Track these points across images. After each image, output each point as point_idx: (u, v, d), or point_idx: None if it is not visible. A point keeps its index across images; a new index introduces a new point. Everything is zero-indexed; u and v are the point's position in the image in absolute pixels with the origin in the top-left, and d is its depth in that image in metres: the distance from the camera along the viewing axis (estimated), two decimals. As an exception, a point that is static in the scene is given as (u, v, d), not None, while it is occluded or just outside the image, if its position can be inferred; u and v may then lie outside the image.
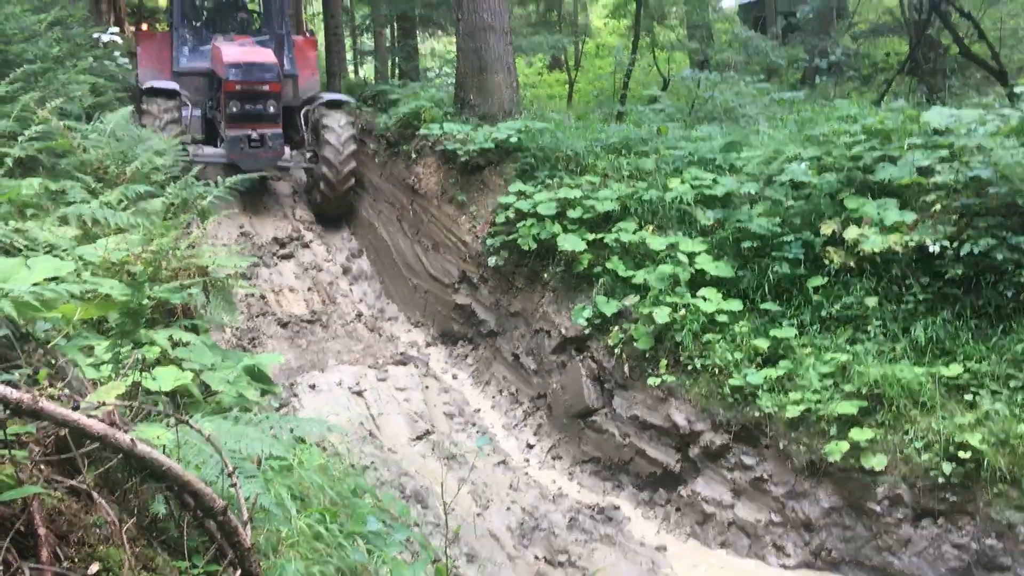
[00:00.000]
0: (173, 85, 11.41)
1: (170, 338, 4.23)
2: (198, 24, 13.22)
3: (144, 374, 3.33)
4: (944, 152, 6.77)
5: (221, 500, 2.19)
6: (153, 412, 2.84)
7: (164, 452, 2.46)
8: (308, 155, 12.32)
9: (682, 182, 8.12)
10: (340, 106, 12.15)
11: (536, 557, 6.19)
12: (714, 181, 8.06)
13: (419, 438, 7.57)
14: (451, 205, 10.13)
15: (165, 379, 3.66)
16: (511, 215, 8.77)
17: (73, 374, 2.77)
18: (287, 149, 12.02)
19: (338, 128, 11.68)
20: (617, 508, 6.92)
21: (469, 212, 9.81)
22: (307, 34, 14.11)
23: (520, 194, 8.84)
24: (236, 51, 11.46)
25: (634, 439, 7.16)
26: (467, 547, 6.00)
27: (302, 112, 12.52)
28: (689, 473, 6.75)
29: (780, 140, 8.38)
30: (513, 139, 9.58)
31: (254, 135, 11.29)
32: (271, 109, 11.47)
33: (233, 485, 2.52)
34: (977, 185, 6.26)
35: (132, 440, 1.96)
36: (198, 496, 2.14)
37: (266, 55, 11.55)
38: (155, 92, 10.95)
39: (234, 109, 11.25)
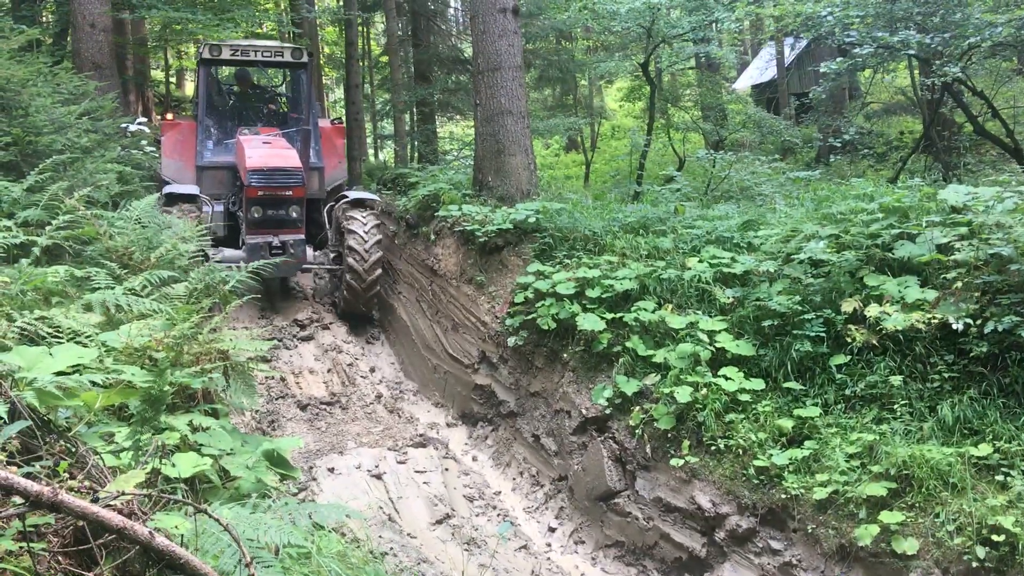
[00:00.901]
0: (193, 189, 11.17)
1: (190, 423, 4.23)
2: (224, 109, 13.15)
3: (163, 461, 3.32)
4: (963, 229, 6.77)
5: (239, 593, 2.16)
6: (172, 501, 2.82)
7: (182, 542, 2.44)
8: (332, 255, 11.92)
9: (700, 261, 8.14)
10: (365, 205, 11.73)
11: (559, 647, 6.01)
12: (732, 259, 8.07)
13: (439, 522, 7.45)
14: (470, 285, 10.19)
15: (184, 465, 3.65)
16: (530, 295, 8.80)
17: (93, 462, 2.76)
18: (309, 250, 11.59)
19: (363, 233, 11.26)
20: (642, 595, 6.74)
21: (488, 292, 9.85)
22: (334, 121, 13.93)
23: (539, 274, 8.89)
24: (259, 154, 11.08)
25: (658, 522, 7.01)
26: (488, 637, 5.85)
27: (326, 209, 12.22)
28: (716, 558, 6.58)
29: (797, 218, 8.42)
30: (531, 219, 9.68)
31: (276, 242, 10.93)
32: (294, 215, 11.13)
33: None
34: (998, 262, 6.23)
35: (151, 533, 1.94)
36: (215, 589, 2.11)
37: (290, 159, 11.12)
38: (176, 197, 10.69)
39: (256, 215, 10.93)
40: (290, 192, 10.96)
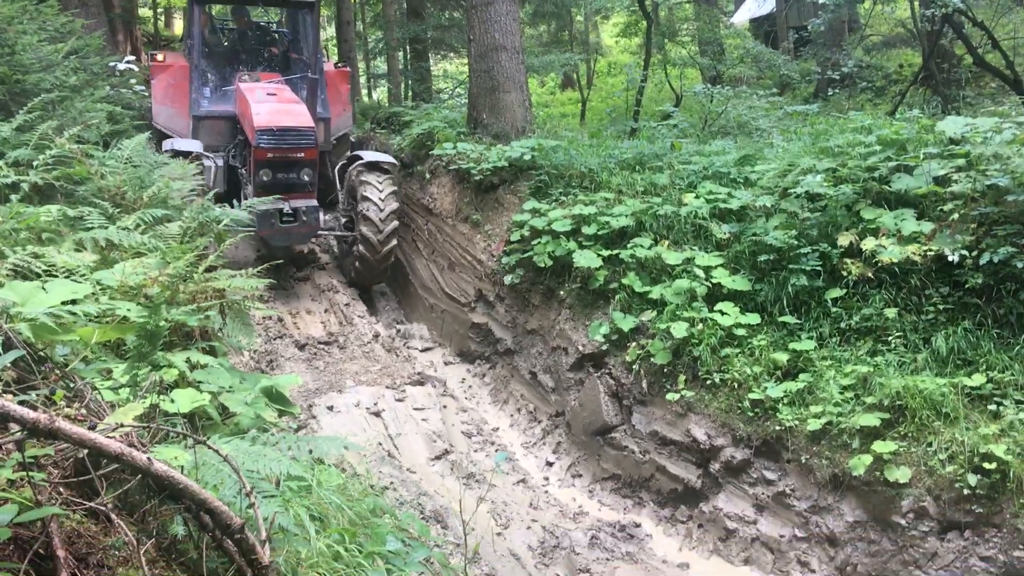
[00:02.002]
0: (195, 145, 10.29)
1: (188, 360, 4.24)
2: (219, 51, 12.29)
3: (162, 396, 3.34)
4: (960, 161, 6.73)
5: (239, 518, 2.18)
6: (171, 433, 2.84)
7: (182, 472, 2.46)
8: (343, 220, 11.23)
9: (697, 196, 8.11)
10: (382, 168, 10.82)
11: (557, 576, 6.13)
12: (729, 195, 8.04)
13: (437, 458, 7.54)
14: (466, 224, 10.15)
15: (183, 401, 3.66)
16: (526, 233, 8.77)
17: (91, 397, 2.77)
18: (321, 216, 10.69)
19: (378, 185, 10.48)
20: (638, 525, 6.86)
21: (484, 231, 9.82)
22: (338, 65, 12.95)
23: (534, 212, 8.85)
24: (267, 110, 10.09)
25: (654, 455, 7.10)
26: (487, 566, 5.95)
27: (336, 169, 11.50)
28: (711, 489, 6.69)
29: (794, 153, 8.37)
30: (527, 157, 9.61)
31: (287, 208, 9.98)
32: (306, 178, 10.22)
33: (251, 505, 2.50)
34: (995, 194, 6.21)
35: (149, 459, 1.96)
36: (215, 514, 2.13)
37: (301, 116, 10.17)
38: (177, 154, 9.63)
39: (264, 178, 10.02)
40: (302, 154, 10.07)
